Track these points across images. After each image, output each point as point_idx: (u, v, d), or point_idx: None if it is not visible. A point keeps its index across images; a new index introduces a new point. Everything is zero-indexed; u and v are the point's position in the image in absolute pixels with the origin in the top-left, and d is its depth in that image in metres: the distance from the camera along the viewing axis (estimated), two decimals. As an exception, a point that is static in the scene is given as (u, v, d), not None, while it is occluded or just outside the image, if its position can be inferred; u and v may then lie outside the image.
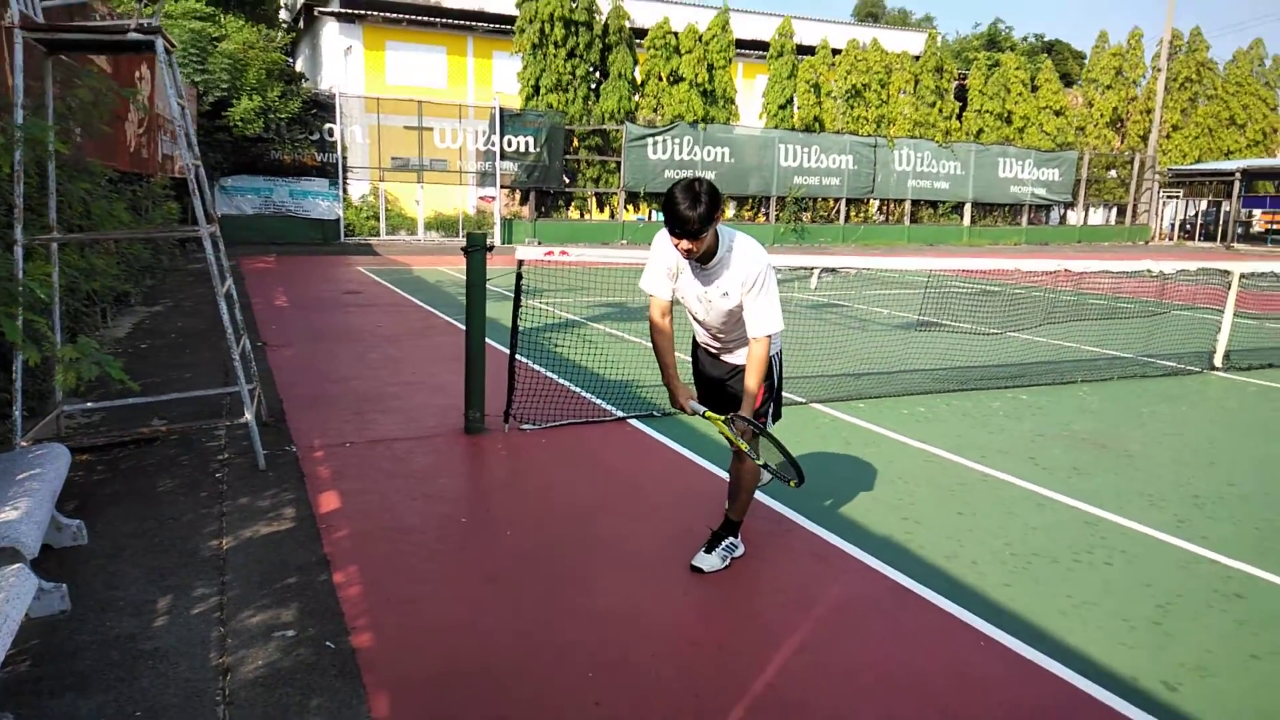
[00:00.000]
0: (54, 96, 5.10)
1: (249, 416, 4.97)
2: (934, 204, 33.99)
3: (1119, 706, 2.90)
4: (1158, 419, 6.84)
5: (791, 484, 3.49)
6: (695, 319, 3.85)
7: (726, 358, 3.91)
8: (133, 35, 4.63)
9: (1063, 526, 4.50)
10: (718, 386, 3.96)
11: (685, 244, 3.38)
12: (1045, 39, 61.68)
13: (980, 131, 34.27)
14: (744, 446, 3.55)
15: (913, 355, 8.98)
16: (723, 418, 3.62)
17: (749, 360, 3.62)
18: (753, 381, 3.59)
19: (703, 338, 3.94)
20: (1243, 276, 8.90)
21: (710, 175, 28.93)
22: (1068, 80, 42.24)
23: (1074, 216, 37.63)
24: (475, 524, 4.36)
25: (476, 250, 5.58)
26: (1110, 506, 4.79)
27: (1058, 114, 35.43)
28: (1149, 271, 8.60)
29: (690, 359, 4.13)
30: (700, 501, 4.67)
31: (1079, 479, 5.26)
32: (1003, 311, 11.74)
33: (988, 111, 34.34)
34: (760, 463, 3.57)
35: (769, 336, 3.58)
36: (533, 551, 4.03)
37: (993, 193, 34.40)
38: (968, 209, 34.36)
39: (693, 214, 3.27)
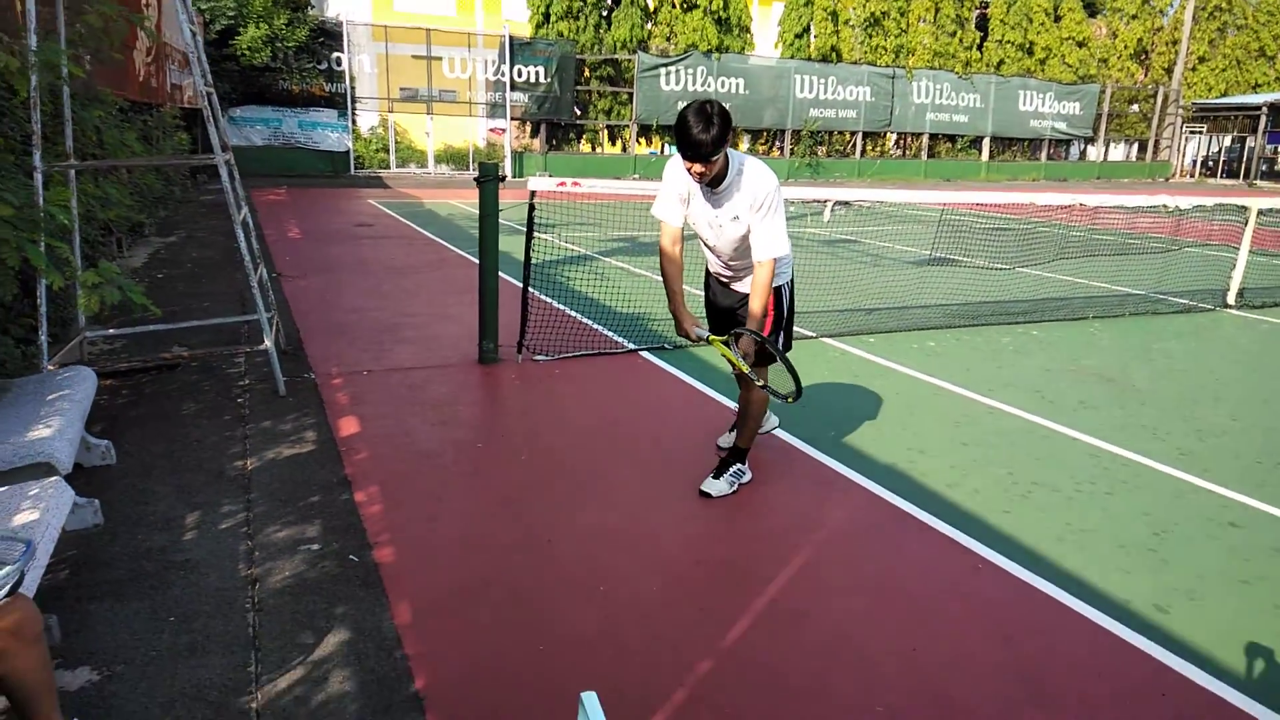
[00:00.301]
0: (64, 23, 5.08)
1: (269, 343, 5.07)
2: (952, 138, 33.45)
3: (1109, 625, 3.02)
4: (1167, 355, 6.87)
5: (789, 400, 3.56)
6: (706, 246, 3.90)
7: (736, 286, 3.96)
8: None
9: (1065, 457, 4.59)
10: (728, 315, 4.03)
11: (697, 167, 3.41)
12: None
13: (1001, 63, 33.50)
14: (744, 368, 3.62)
15: (925, 290, 8.99)
16: (724, 337, 3.69)
17: (753, 284, 3.68)
18: (757, 304, 3.65)
19: (714, 266, 3.99)
20: (1260, 213, 8.81)
21: (725, 106, 28.44)
22: (1092, 10, 41.05)
23: (1094, 152, 36.98)
24: (490, 449, 4.48)
25: (489, 181, 5.60)
26: (1114, 439, 4.86)
27: (1080, 45, 34.54)
28: (1164, 207, 8.54)
29: (703, 290, 4.19)
30: (709, 431, 4.77)
31: (1085, 412, 5.33)
32: (1016, 247, 11.68)
33: (1009, 42, 33.50)
34: (760, 384, 3.65)
35: (774, 260, 3.61)
36: (546, 475, 4.15)
37: (1012, 127, 33.79)
38: (986, 143, 33.82)
39: (705, 137, 3.29)
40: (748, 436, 4.02)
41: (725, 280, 3.99)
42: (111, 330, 5.66)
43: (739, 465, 4.02)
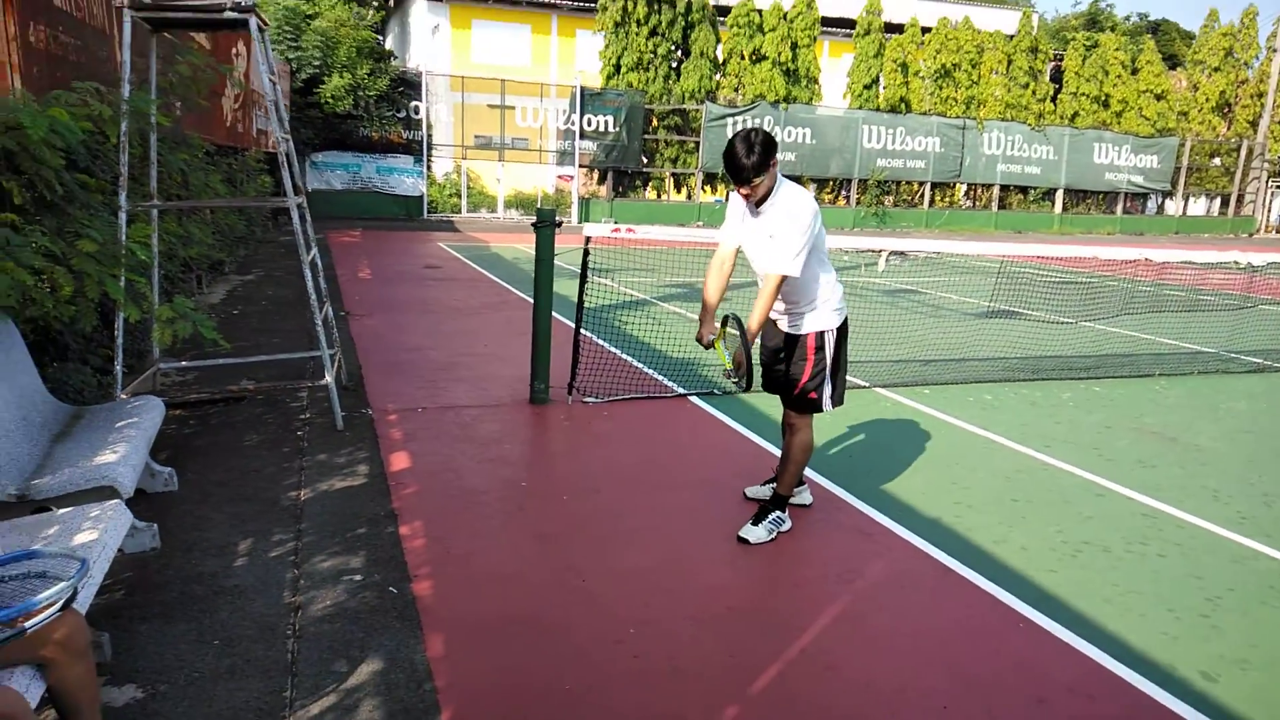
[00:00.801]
0: (157, 72, 5.45)
1: (329, 379, 5.27)
2: (1024, 190, 32.97)
3: (1150, 691, 2.92)
4: (1235, 416, 6.64)
5: (738, 383, 3.74)
6: (757, 276, 3.97)
7: (782, 325, 4.01)
8: (229, 14, 4.92)
9: (1119, 517, 4.46)
10: (775, 356, 4.08)
11: (743, 190, 3.68)
12: (1150, 19, 58.89)
13: (1075, 115, 33.01)
14: (726, 363, 3.79)
15: (984, 343, 8.86)
16: (720, 334, 3.83)
17: (760, 289, 3.79)
18: (754, 320, 3.76)
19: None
20: (1341, 271, 8.49)
21: (791, 156, 28.67)
22: (1173, 62, 40.28)
23: (1172, 206, 36.01)
24: (534, 487, 4.56)
25: (545, 226, 5.76)
26: (1171, 500, 4.72)
27: (1159, 98, 33.84)
28: (1236, 263, 8.30)
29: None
30: (753, 477, 4.77)
31: (1143, 471, 5.18)
32: (1080, 301, 11.43)
33: (1084, 94, 33.02)
34: (734, 379, 3.77)
35: (779, 276, 3.70)
36: (587, 515, 4.21)
37: (1086, 179, 33.16)
38: (1059, 195, 33.24)
39: (746, 162, 3.56)
40: (788, 483, 4.03)
41: (773, 319, 4.05)
42: (184, 363, 5.95)
43: (778, 513, 4.02)
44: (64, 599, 2.05)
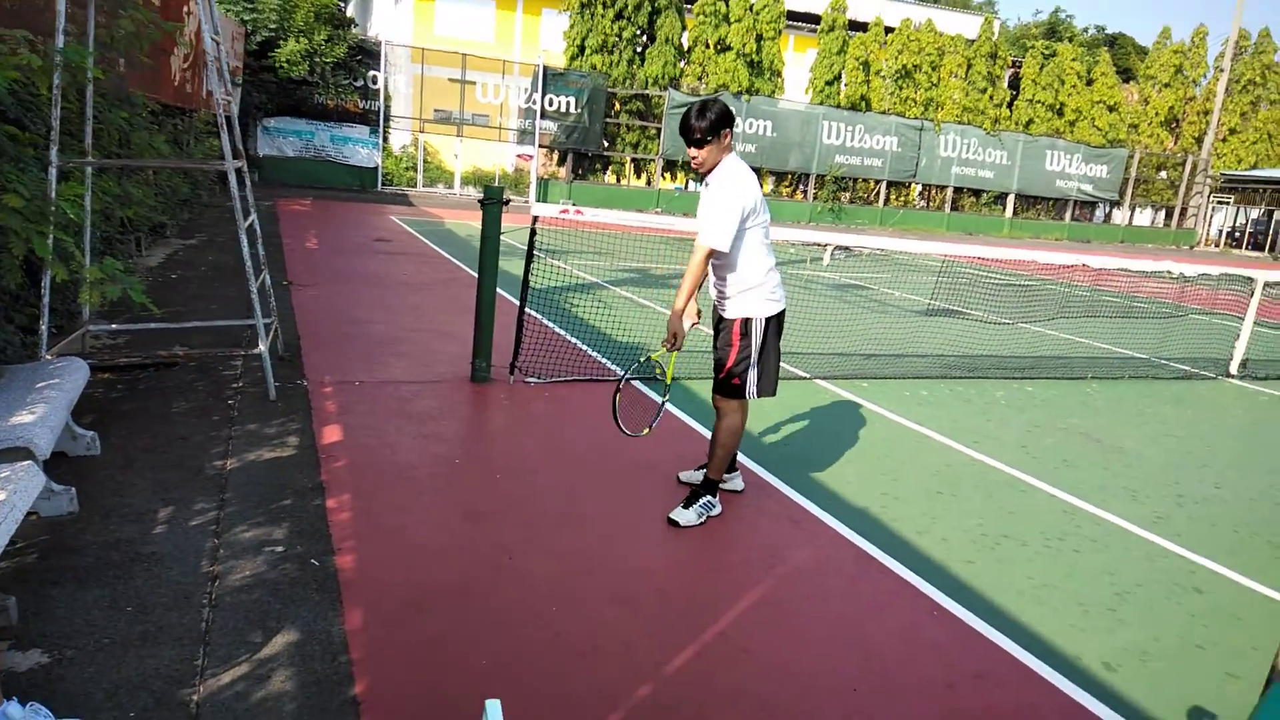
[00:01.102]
0: (98, 25, 5.28)
1: (263, 348, 5.18)
2: (977, 193, 33.53)
3: (1054, 679, 3.02)
4: (1160, 420, 6.86)
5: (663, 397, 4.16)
6: None
7: (721, 310, 4.06)
8: (172, -29, 4.78)
9: (1039, 513, 4.59)
10: (715, 337, 4.14)
11: (691, 151, 3.81)
12: (1107, 31, 60.16)
13: (1030, 122, 33.65)
14: (667, 377, 4.13)
15: (924, 340, 9.02)
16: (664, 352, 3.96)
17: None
18: (682, 287, 3.85)
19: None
20: (1267, 285, 8.80)
21: (751, 148, 28.77)
22: (1127, 75, 41.22)
23: (1119, 215, 36.93)
24: (467, 465, 4.54)
25: (492, 204, 5.72)
26: (1091, 498, 4.87)
27: (1111, 109, 34.65)
28: (1169, 273, 8.55)
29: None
30: (690, 462, 4.81)
31: (1066, 470, 5.33)
32: (1019, 303, 11.69)
33: (1039, 102, 33.68)
34: (667, 382, 4.05)
35: (707, 248, 3.77)
36: (519, 494, 4.21)
37: (1038, 185, 33.84)
38: (1011, 200, 33.87)
39: (696, 123, 3.72)
40: (717, 467, 4.07)
41: (716, 305, 4.10)
42: (115, 326, 5.79)
43: (709, 498, 4.06)
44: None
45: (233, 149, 5.19)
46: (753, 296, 3.93)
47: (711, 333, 4.17)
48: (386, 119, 25.01)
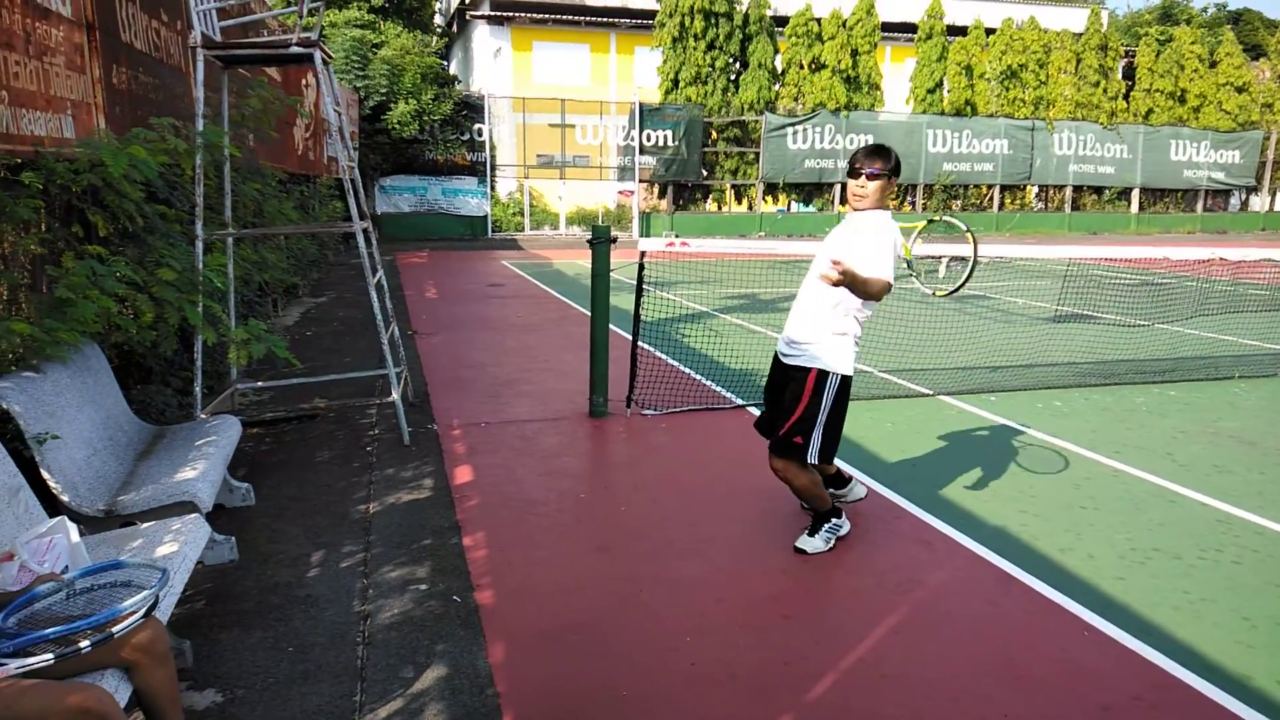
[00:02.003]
0: (229, 106, 5.73)
1: (395, 396, 5.44)
2: (1098, 190, 32.04)
3: (1223, 700, 2.84)
4: (1323, 417, 6.37)
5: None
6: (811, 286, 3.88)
7: (787, 357, 3.93)
8: (294, 49, 5.15)
9: (1191, 523, 4.33)
10: (778, 389, 4.02)
11: (860, 183, 3.78)
12: (1230, 9, 56.75)
13: (1150, 112, 31.97)
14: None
15: (1053, 348, 8.66)
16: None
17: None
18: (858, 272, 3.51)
19: (786, 329, 4.01)
20: None
21: (852, 164, 28.38)
22: (1256, 53, 38.68)
23: (1258, 202, 34.55)
24: (593, 499, 4.63)
25: (601, 243, 5.86)
26: (1248, 505, 4.56)
27: (1240, 90, 32.55)
28: (1319, 259, 7.97)
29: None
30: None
31: (1218, 476, 5.02)
32: (1153, 302, 11.07)
33: (1158, 90, 31.98)
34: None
35: (886, 285, 3.58)
36: (644, 526, 4.26)
37: (1163, 177, 32.06)
38: (1135, 195, 32.21)
39: (865, 159, 3.75)
40: (821, 501, 3.98)
41: (781, 349, 4.01)
42: (260, 383, 6.19)
43: (832, 520, 4.00)
44: (147, 606, 2.18)
45: (359, 210, 5.50)
46: (842, 346, 3.76)
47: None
48: (493, 168, 25.91)
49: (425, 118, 23.68)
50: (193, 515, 3.25)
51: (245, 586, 3.59)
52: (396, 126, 22.91)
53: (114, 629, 2.09)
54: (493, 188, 26.26)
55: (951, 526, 4.25)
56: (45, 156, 3.89)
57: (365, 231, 5.65)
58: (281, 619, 3.33)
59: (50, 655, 1.99)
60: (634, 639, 3.20)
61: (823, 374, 3.76)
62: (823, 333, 3.75)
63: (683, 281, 13.35)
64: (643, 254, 5.98)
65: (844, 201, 29.16)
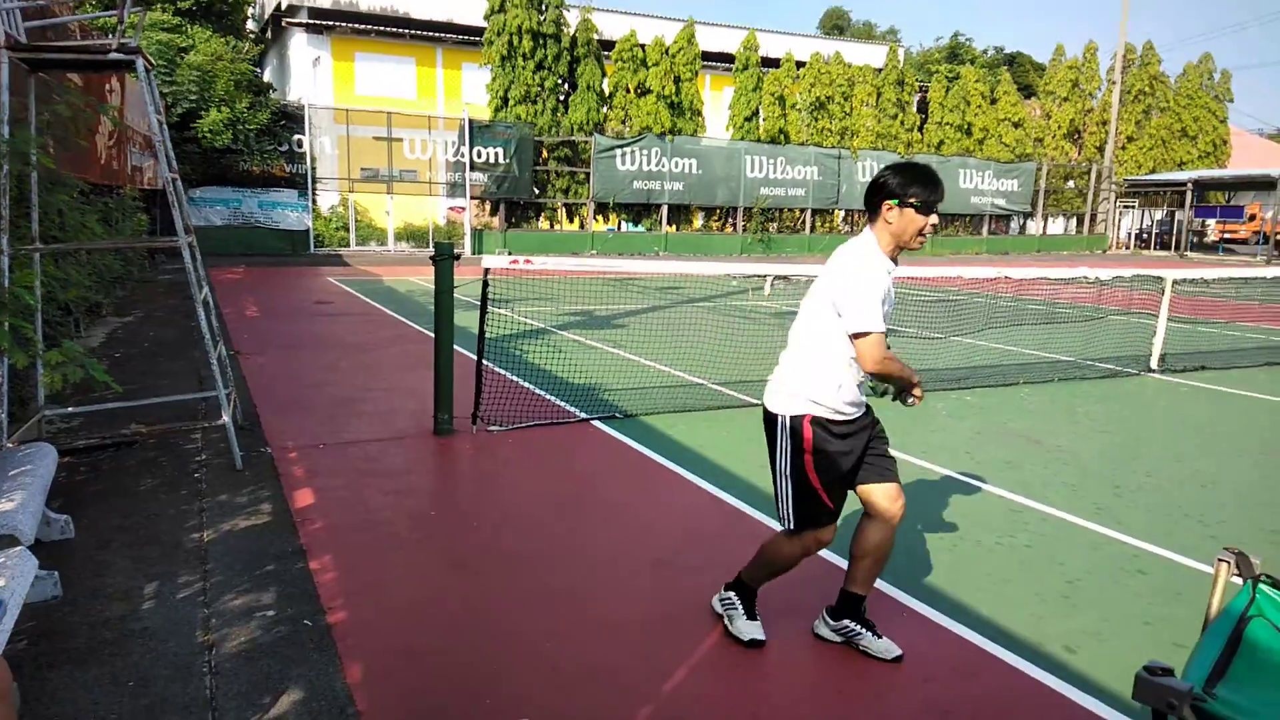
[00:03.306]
0: (34, 112, 5.32)
1: (226, 418, 5.22)
2: (898, 214, 34.65)
3: (1021, 666, 3.25)
4: (1091, 417, 7.25)
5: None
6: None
7: (766, 398, 3.35)
8: (114, 55, 4.88)
9: (990, 513, 4.86)
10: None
11: (933, 219, 3.17)
12: (1005, 51, 63.09)
13: (941, 143, 35.03)
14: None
15: (866, 359, 9.35)
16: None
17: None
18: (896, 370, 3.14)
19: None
20: (1175, 283, 9.39)
21: (678, 186, 29.42)
22: (1029, 92, 43.22)
23: (1034, 226, 38.51)
24: (443, 517, 4.64)
25: (444, 259, 5.87)
26: (1036, 495, 5.16)
27: (1016, 125, 36.31)
28: (1085, 278, 9.07)
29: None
30: (657, 496, 4.98)
31: (1010, 471, 5.64)
32: (948, 317, 12.20)
33: (948, 124, 35.12)
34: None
35: (869, 337, 3.00)
36: (496, 541, 4.32)
37: (954, 203, 35.14)
38: (930, 219, 35.06)
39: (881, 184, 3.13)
40: (757, 578, 3.45)
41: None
42: (70, 409, 5.76)
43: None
44: (-14, 641, 2.06)
45: (184, 224, 5.26)
46: (803, 390, 3.18)
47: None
48: (314, 181, 24.94)
49: (240, 126, 22.51)
50: (17, 549, 3.04)
51: (73, 623, 3.37)
52: (208, 135, 21.67)
53: (-50, 668, 1.96)
54: (314, 201, 25.26)
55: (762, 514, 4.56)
56: None
57: (190, 246, 5.39)
58: (118, 654, 3.16)
59: (-122, 700, 1.85)
60: (493, 649, 3.26)
61: (791, 419, 3.21)
62: (800, 375, 3.26)
63: (520, 299, 13.39)
64: (486, 271, 6.03)
65: (671, 222, 30.10)
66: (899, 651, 3.25)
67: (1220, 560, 1.84)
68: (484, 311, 6.16)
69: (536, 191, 28.25)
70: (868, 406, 3.37)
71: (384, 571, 3.91)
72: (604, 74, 28.45)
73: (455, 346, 6.20)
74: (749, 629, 3.35)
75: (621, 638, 3.39)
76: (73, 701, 2.86)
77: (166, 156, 5.46)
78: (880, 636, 3.30)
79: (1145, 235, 40.29)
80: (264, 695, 2.92)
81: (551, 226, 29.22)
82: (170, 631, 3.32)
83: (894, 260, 3.19)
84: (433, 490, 5.13)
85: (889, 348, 3.15)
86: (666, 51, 28.95)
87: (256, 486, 4.95)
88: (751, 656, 3.27)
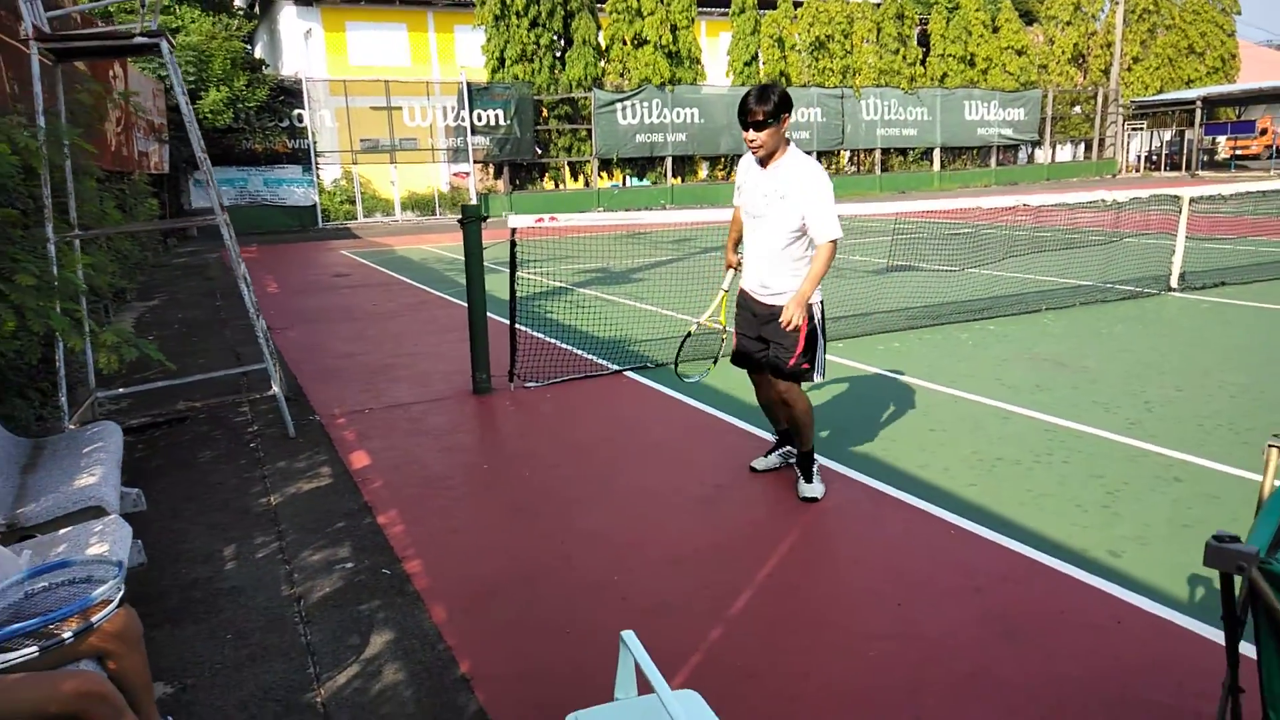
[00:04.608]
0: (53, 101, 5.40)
1: (276, 389, 5.38)
2: (903, 151, 34.39)
3: (1069, 570, 3.39)
4: (1115, 338, 7.34)
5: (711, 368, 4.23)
6: (749, 245, 4.12)
7: (765, 300, 4.06)
8: (139, 39, 4.95)
9: (1024, 435, 4.99)
10: (755, 323, 4.14)
11: (751, 134, 3.79)
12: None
13: (944, 76, 34.56)
14: (716, 325, 4.16)
15: (886, 296, 9.44)
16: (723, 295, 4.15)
17: (813, 259, 3.85)
18: (815, 271, 3.80)
19: (749, 275, 4.15)
20: (1192, 201, 9.38)
21: (681, 137, 29.22)
22: (1029, 18, 42.45)
23: (1042, 154, 38.12)
24: (495, 469, 4.80)
25: (472, 221, 5.96)
26: (1068, 415, 5.28)
27: (1020, 53, 35.74)
28: (1102, 201, 9.08)
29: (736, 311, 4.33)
30: (696, 439, 5.12)
31: (1040, 394, 5.75)
32: (968, 250, 12.23)
33: (950, 55, 34.60)
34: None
35: (832, 244, 3.80)
36: (550, 487, 4.48)
37: (961, 136, 34.80)
38: (937, 154, 34.78)
39: (759, 107, 3.72)
40: (808, 438, 4.17)
41: (757, 295, 4.10)
42: (121, 390, 5.93)
43: (817, 459, 4.27)
44: (120, 594, 2.23)
45: (219, 203, 5.36)
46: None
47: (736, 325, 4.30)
48: (316, 155, 24.91)
49: (240, 105, 22.47)
50: (111, 516, 3.21)
51: (163, 587, 3.56)
52: (209, 115, 21.63)
53: (93, 618, 2.13)
54: (318, 175, 25.26)
55: (824, 457, 4.70)
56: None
57: (227, 224, 5.50)
58: (211, 611, 3.35)
59: (35, 648, 2.02)
60: (565, 585, 3.43)
61: (811, 307, 3.93)
62: (797, 276, 3.94)
63: (536, 260, 13.45)
64: (513, 231, 6.13)
65: (675, 174, 29.93)
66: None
67: (1270, 446, 1.96)
68: (513, 270, 6.26)
69: (539, 151, 28.12)
70: None
71: (449, 521, 4.08)
72: (599, 27, 28.12)
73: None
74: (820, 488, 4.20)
75: (682, 570, 3.54)
76: (178, 655, 3.05)
77: (197, 136, 5.54)
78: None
79: (1155, 157, 39.79)
80: (356, 638, 3.10)
81: (556, 186, 29.13)
82: (257, 588, 3.51)
83: (758, 161, 4.02)
84: (481, 445, 5.29)
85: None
86: (661, 0, 28.56)
87: (312, 452, 5.12)
88: (808, 580, 3.43)
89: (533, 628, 3.13)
